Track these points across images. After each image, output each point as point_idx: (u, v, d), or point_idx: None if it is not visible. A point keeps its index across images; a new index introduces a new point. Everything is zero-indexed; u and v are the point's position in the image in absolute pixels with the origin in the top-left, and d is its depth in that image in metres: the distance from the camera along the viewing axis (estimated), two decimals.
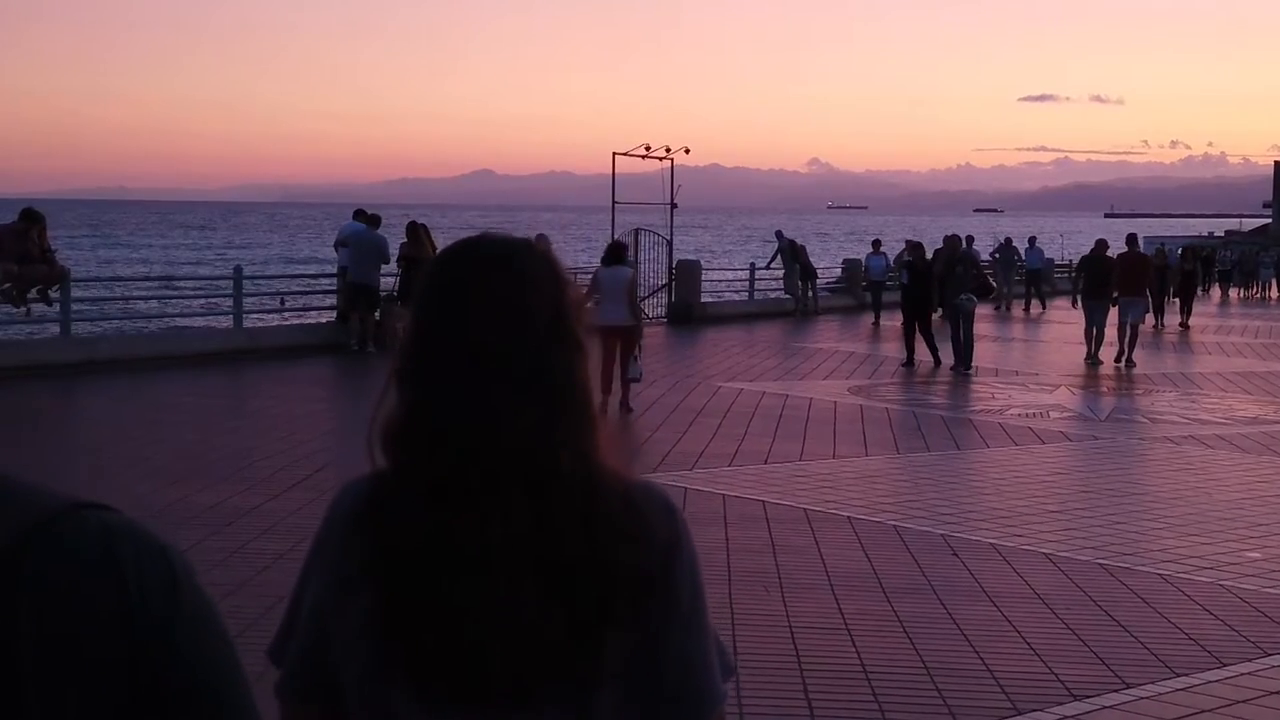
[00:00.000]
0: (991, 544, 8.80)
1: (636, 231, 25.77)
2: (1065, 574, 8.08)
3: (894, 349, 22.02)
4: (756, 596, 7.40)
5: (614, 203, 26.18)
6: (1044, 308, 33.49)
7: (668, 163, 26.66)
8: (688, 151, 26.38)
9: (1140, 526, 9.44)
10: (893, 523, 9.36)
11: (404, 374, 1.70)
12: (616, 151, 25.83)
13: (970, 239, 26.04)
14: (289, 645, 1.76)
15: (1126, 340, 20.59)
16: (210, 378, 17.01)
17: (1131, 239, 22.87)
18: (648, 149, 26.27)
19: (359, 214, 20.87)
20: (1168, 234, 78.60)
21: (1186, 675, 6.22)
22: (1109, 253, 21.09)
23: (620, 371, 14.17)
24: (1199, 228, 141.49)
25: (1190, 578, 8.05)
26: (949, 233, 21.92)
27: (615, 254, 14.77)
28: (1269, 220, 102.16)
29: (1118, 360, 20.40)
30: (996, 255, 34.31)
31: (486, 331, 1.67)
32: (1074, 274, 26.43)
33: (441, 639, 1.61)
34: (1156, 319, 27.38)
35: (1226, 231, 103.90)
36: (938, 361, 19.74)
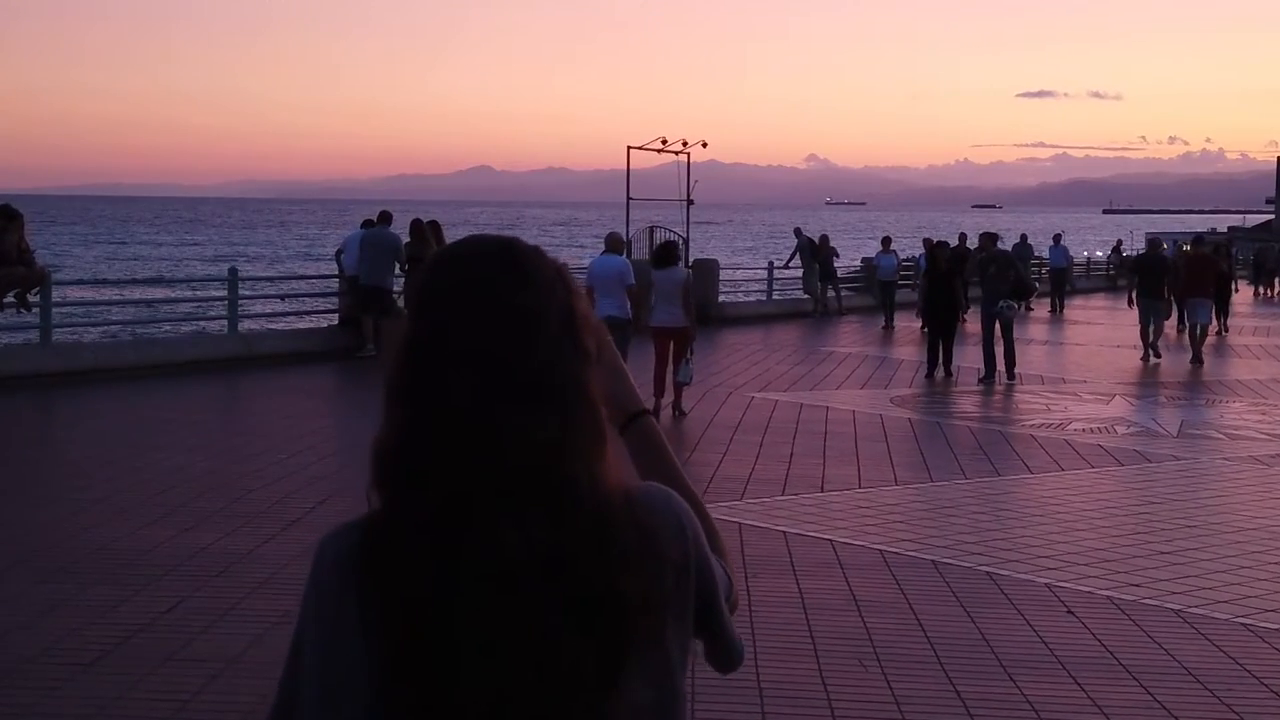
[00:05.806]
0: (1108, 597, 7.56)
1: (651, 229, 24.56)
2: (1209, 639, 6.82)
3: (919, 353, 20.77)
4: (853, 674, 6.15)
5: (629, 199, 24.95)
6: (1061, 311, 32.17)
7: (674, 158, 25.56)
8: (705, 145, 25.18)
9: (1272, 573, 8.19)
10: (985, 569, 8.12)
11: (399, 388, 1.53)
12: (631, 145, 24.61)
13: (995, 237, 24.64)
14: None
15: (1196, 340, 20.43)
16: (202, 388, 15.76)
17: (1199, 239, 21.85)
18: (664, 143, 25.03)
19: (367, 224, 19.61)
20: (1168, 230, 77.84)
21: None
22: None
23: (673, 374, 13.99)
24: (1198, 223, 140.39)
25: None
26: (985, 230, 20.72)
27: (667, 254, 14.46)
28: (1271, 216, 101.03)
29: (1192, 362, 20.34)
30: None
31: (492, 338, 1.51)
32: (1126, 272, 25.98)
33: (462, 684, 1.45)
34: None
35: (1230, 228, 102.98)
36: (932, 368, 18.33)
